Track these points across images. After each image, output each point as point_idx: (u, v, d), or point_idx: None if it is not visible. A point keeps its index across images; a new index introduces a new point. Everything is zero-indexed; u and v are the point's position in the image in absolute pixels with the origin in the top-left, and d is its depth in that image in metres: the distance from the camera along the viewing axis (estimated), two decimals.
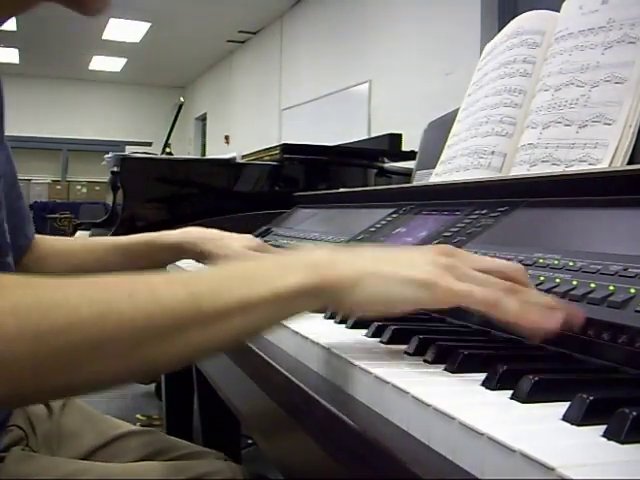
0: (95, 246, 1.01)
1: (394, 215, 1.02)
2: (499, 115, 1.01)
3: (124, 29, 8.42)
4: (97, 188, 10.96)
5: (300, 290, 0.46)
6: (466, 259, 0.51)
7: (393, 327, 0.56)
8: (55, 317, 0.39)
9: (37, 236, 0.98)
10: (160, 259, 1.00)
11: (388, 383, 0.42)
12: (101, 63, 10.60)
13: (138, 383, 2.98)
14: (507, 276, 0.50)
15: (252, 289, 0.45)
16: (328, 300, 0.48)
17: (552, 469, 0.28)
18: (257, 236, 1.42)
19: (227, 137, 9.68)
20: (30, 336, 0.38)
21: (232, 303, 0.44)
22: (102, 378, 0.42)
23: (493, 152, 0.99)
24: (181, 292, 0.43)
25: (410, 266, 0.48)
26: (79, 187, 11.43)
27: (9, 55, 9.89)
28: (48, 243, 0.98)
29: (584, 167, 0.81)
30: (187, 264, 1.07)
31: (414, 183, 1.30)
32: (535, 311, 0.45)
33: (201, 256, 0.98)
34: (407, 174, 1.79)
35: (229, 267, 0.48)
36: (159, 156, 2.29)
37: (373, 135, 5.04)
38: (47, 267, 0.95)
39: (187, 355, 0.45)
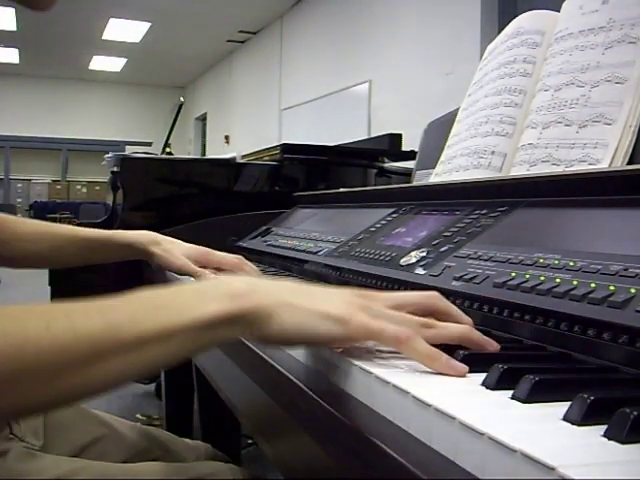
0: (56, 234, 1.04)
1: (394, 215, 1.02)
2: (499, 115, 1.01)
3: (124, 29, 8.42)
4: (97, 188, 10.97)
5: (218, 319, 0.46)
6: (380, 299, 0.52)
7: None
8: None
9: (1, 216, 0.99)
10: (113, 256, 1.07)
11: (389, 383, 0.42)
12: (101, 63, 10.61)
13: (138, 382, 2.98)
14: (424, 308, 0.53)
15: (171, 317, 0.45)
16: (246, 329, 0.48)
17: (552, 469, 0.28)
18: (257, 236, 1.42)
19: (227, 137, 9.68)
20: None
21: (151, 332, 0.44)
22: (24, 407, 0.43)
23: (493, 152, 0.99)
24: (99, 321, 0.44)
25: (326, 301, 0.49)
26: (79, 187, 11.44)
27: (9, 55, 9.90)
28: (8, 226, 0.99)
29: (584, 167, 0.81)
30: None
31: (414, 183, 1.30)
32: (440, 359, 0.46)
33: (147, 257, 1.04)
34: (407, 174, 1.79)
35: (148, 295, 0.48)
36: (159, 156, 2.29)
37: (373, 135, 5.04)
38: (4, 252, 0.97)
39: (107, 383, 0.45)
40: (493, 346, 0.51)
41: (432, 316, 0.53)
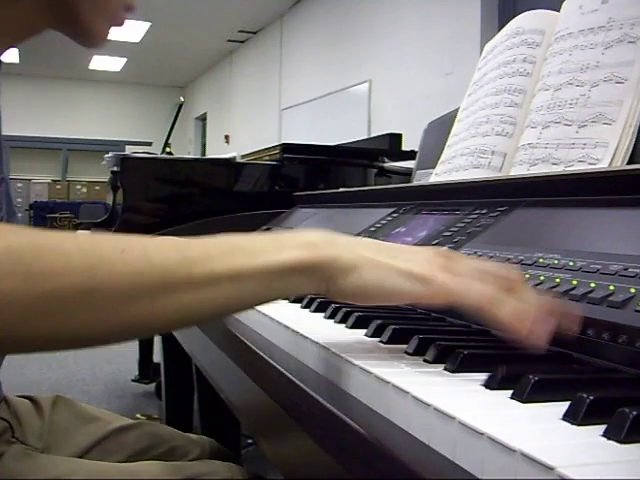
0: None
1: (394, 215, 1.02)
2: (499, 115, 1.01)
3: (124, 29, 8.41)
4: (97, 188, 10.97)
5: (293, 266, 0.46)
6: (463, 262, 0.50)
7: (393, 327, 0.56)
8: (47, 261, 0.39)
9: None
10: None
11: (388, 383, 0.42)
12: (101, 63, 10.60)
13: (138, 382, 2.98)
14: (504, 278, 0.50)
15: (244, 259, 0.45)
16: (322, 281, 0.47)
17: (552, 469, 0.28)
18: None
19: (227, 137, 9.68)
20: (21, 276, 0.38)
21: (223, 270, 0.44)
22: (89, 330, 0.42)
23: (493, 152, 0.99)
24: (173, 254, 0.44)
25: (408, 260, 0.48)
26: (79, 187, 11.44)
27: (9, 55, 9.87)
28: None
29: (584, 167, 0.81)
30: None
31: (414, 183, 1.30)
32: (529, 317, 0.44)
33: None
34: (407, 174, 1.79)
35: (225, 238, 0.47)
36: (159, 156, 2.29)
37: (373, 135, 5.04)
38: None
39: (176, 317, 0.45)
40: (576, 320, 0.48)
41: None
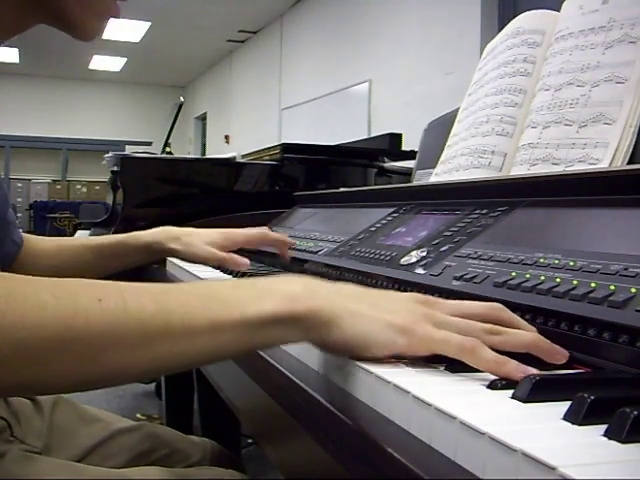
0: (67, 246, 1.02)
1: (394, 215, 1.02)
2: (499, 115, 1.01)
3: (124, 29, 8.42)
4: (97, 188, 10.97)
5: (274, 318, 0.45)
6: (444, 306, 0.50)
7: None
8: (21, 311, 0.39)
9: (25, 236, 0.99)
10: (131, 260, 1.02)
11: (389, 383, 0.42)
12: (101, 63, 10.60)
13: (138, 382, 2.98)
14: (488, 318, 0.50)
15: (224, 311, 0.44)
16: (305, 332, 0.47)
17: (553, 468, 0.28)
18: None
19: (227, 137, 9.68)
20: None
21: (201, 322, 0.44)
22: (63, 379, 0.42)
23: (493, 152, 0.99)
24: (151, 304, 0.43)
25: (390, 311, 0.47)
26: (79, 187, 11.44)
27: (9, 55, 9.90)
28: (29, 245, 0.99)
29: (584, 167, 0.81)
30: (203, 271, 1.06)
31: (414, 183, 1.30)
32: (509, 364, 0.44)
33: (170, 254, 1.00)
34: (407, 174, 1.79)
35: (203, 286, 0.47)
36: (159, 156, 2.29)
37: (373, 135, 5.04)
38: (28, 270, 0.95)
39: (151, 367, 0.44)
40: (563, 355, 0.47)
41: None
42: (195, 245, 0.98)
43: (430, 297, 0.52)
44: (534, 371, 0.43)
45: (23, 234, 0.99)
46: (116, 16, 0.74)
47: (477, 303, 0.53)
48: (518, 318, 0.52)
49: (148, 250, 1.01)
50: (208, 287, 0.47)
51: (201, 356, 0.45)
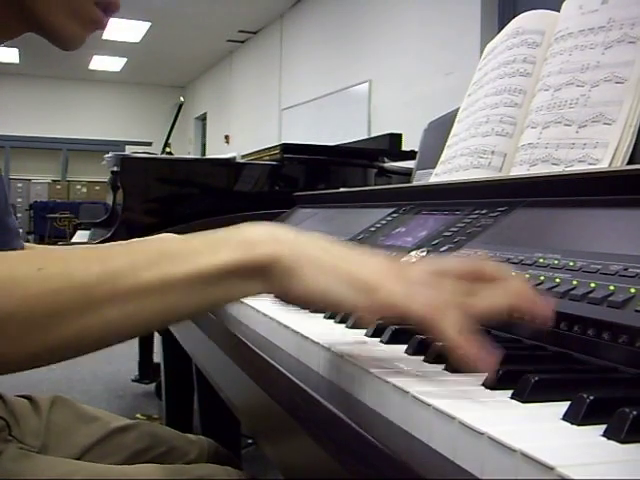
0: None
1: (394, 215, 1.02)
2: (499, 115, 1.01)
3: (124, 29, 8.42)
4: (97, 188, 10.97)
5: (230, 268, 0.42)
6: (421, 268, 0.46)
7: (393, 327, 0.56)
8: None
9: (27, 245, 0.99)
10: None
11: (388, 383, 0.42)
12: (101, 63, 10.61)
13: (138, 382, 2.98)
14: (469, 275, 0.45)
15: (174, 267, 0.41)
16: (266, 283, 0.43)
17: (552, 468, 0.28)
18: None
19: (227, 137, 9.68)
20: None
21: (151, 281, 0.41)
22: (11, 357, 0.40)
23: (493, 152, 0.99)
24: (96, 268, 0.41)
25: (357, 264, 0.44)
26: (79, 187, 11.44)
27: (9, 55, 9.89)
28: None
29: (584, 167, 0.81)
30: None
31: (414, 183, 1.30)
32: (466, 348, 0.40)
33: None
34: (407, 174, 1.79)
35: (155, 242, 0.45)
36: (159, 156, 2.29)
37: (373, 135, 5.04)
38: None
39: (103, 335, 0.42)
40: (548, 308, 0.44)
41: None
42: None
43: (407, 263, 0.48)
44: (493, 362, 0.41)
45: (26, 244, 0.99)
46: (102, 28, 0.73)
47: (457, 262, 0.48)
48: (504, 269, 0.47)
49: None
50: (159, 242, 0.45)
51: (155, 317, 0.43)
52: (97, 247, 0.44)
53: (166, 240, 0.45)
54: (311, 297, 0.43)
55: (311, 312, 0.70)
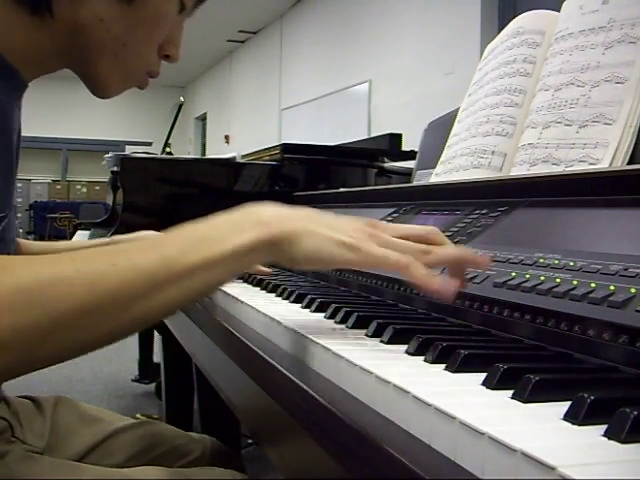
0: (53, 250, 1.03)
1: (394, 215, 1.02)
2: (499, 115, 1.01)
3: None
4: (97, 188, 10.98)
5: (254, 246, 0.53)
6: (387, 228, 0.59)
7: (394, 327, 0.56)
8: (52, 290, 0.45)
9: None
10: None
11: (389, 383, 0.42)
12: None
13: (138, 382, 2.97)
14: (424, 239, 0.59)
15: (213, 248, 0.51)
16: (276, 252, 0.54)
17: (553, 468, 0.28)
18: None
19: (227, 137, 9.68)
20: (33, 310, 0.44)
21: (198, 262, 0.50)
22: (96, 338, 0.48)
23: (493, 152, 0.99)
24: (154, 256, 0.49)
25: (341, 229, 0.56)
26: (79, 187, 11.45)
27: None
28: (19, 249, 0.99)
29: (584, 167, 0.81)
30: None
31: (414, 183, 1.30)
32: (435, 280, 0.54)
33: None
34: (407, 174, 1.79)
35: (189, 230, 0.53)
36: (159, 156, 2.29)
37: (373, 135, 5.04)
38: None
39: (166, 309, 0.51)
40: (485, 259, 0.60)
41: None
42: None
43: (380, 221, 0.60)
44: (455, 284, 0.55)
45: (24, 241, 0.99)
46: (142, 87, 0.76)
47: (416, 227, 0.62)
48: (449, 241, 0.61)
49: None
50: (194, 230, 0.53)
51: (202, 290, 0.52)
52: (149, 240, 0.53)
53: (198, 228, 0.54)
54: (310, 257, 0.54)
55: (311, 312, 0.70)
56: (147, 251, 0.50)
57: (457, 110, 1.17)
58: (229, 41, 9.13)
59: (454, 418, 0.35)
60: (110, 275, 0.47)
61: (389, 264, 0.55)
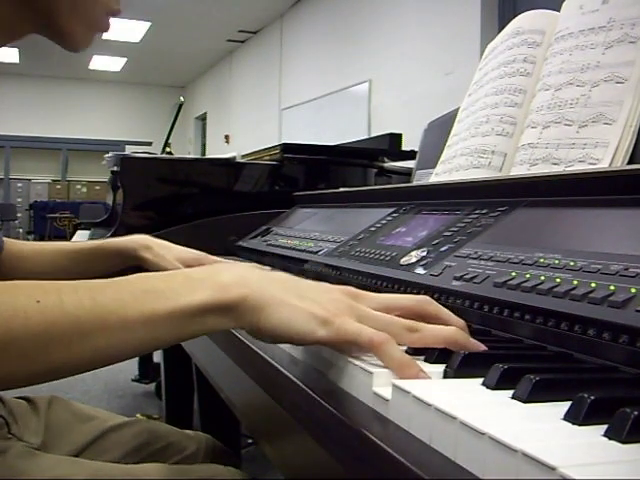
0: (43, 251, 1.03)
1: (394, 215, 1.02)
2: (499, 115, 1.01)
3: (124, 29, 8.42)
4: (97, 188, 10.97)
5: (204, 307, 0.47)
6: (369, 300, 0.52)
7: None
8: None
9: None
10: (106, 264, 1.03)
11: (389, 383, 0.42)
12: (101, 63, 10.61)
13: (138, 382, 2.98)
14: (413, 311, 0.52)
15: (157, 304, 0.47)
16: (236, 320, 0.49)
17: (553, 469, 0.28)
18: (257, 236, 1.43)
19: (227, 137, 9.68)
20: None
21: (136, 316, 0.46)
22: (12, 377, 0.44)
23: (493, 152, 0.99)
24: (87, 301, 0.45)
25: (315, 302, 0.50)
26: (79, 187, 11.44)
27: (9, 55, 9.89)
28: (7, 248, 0.99)
29: (584, 167, 0.81)
30: None
31: (414, 183, 1.30)
32: (410, 369, 0.45)
33: (139, 262, 1.02)
34: (407, 174, 1.79)
35: (138, 279, 0.49)
36: (159, 156, 2.29)
37: (373, 135, 5.04)
38: (6, 273, 0.97)
39: (91, 361, 0.46)
40: (480, 348, 0.50)
41: (423, 320, 0.52)
42: (165, 259, 1.00)
43: (361, 291, 0.54)
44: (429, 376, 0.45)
45: (5, 238, 0.99)
46: (106, 30, 0.75)
47: (404, 296, 0.56)
48: (444, 311, 0.54)
49: (120, 256, 1.02)
50: (144, 280, 0.49)
51: (138, 347, 0.48)
52: (86, 282, 0.48)
53: (150, 278, 0.50)
54: (276, 331, 0.49)
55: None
56: (80, 294, 0.46)
57: (457, 110, 1.17)
58: (229, 41, 9.13)
59: (454, 418, 0.35)
60: (32, 312, 0.43)
61: (360, 342, 0.47)
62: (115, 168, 1.73)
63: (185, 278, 0.50)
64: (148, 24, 8.39)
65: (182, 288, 0.48)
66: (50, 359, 0.44)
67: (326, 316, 0.48)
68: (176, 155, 2.43)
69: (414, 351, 0.51)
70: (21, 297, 0.44)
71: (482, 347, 0.50)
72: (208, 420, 1.64)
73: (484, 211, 0.82)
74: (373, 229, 1.01)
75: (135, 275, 0.49)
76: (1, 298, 0.43)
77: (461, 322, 0.53)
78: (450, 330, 0.50)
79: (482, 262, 0.68)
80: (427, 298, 0.54)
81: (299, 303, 0.49)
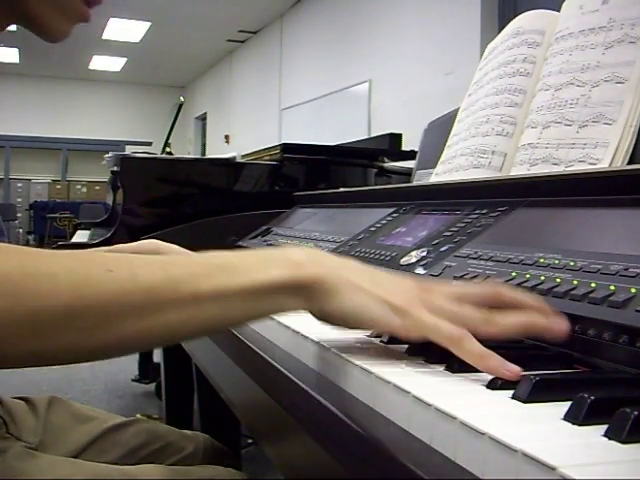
0: None
1: (394, 215, 1.02)
2: (499, 115, 1.01)
3: (124, 29, 8.42)
4: (97, 188, 10.97)
5: (279, 285, 0.46)
6: (442, 292, 0.50)
7: None
8: (34, 282, 0.40)
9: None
10: None
11: (389, 383, 0.42)
12: (101, 63, 10.61)
13: (138, 382, 2.98)
14: (489, 299, 0.50)
15: (230, 278, 0.45)
16: (306, 301, 0.48)
17: (553, 469, 0.28)
18: (257, 236, 1.43)
19: (227, 137, 9.68)
20: (9, 297, 0.39)
21: (208, 290, 0.45)
22: (75, 349, 0.43)
23: (493, 152, 0.99)
24: (160, 273, 0.44)
25: (388, 290, 0.48)
26: (79, 187, 11.44)
27: (9, 55, 9.90)
28: None
29: (584, 167, 0.81)
30: None
31: (414, 183, 1.30)
32: (493, 359, 0.44)
33: None
34: (407, 174, 1.79)
35: (212, 255, 0.48)
36: (159, 156, 2.29)
37: (373, 135, 5.04)
38: None
39: (161, 336, 0.45)
40: (562, 326, 0.47)
41: (499, 308, 0.49)
42: None
43: (432, 283, 0.52)
44: (518, 369, 0.43)
45: (9, 245, 0.99)
46: (85, 21, 0.73)
47: (477, 287, 0.53)
48: (520, 295, 0.51)
49: None
50: (217, 256, 0.48)
51: (209, 323, 0.46)
52: (160, 257, 0.48)
53: (223, 255, 0.48)
54: (349, 316, 0.47)
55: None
56: (153, 266, 0.45)
57: (457, 110, 1.17)
58: (229, 41, 9.13)
59: (454, 418, 0.35)
60: (103, 281, 0.42)
61: (440, 337, 0.46)
62: (115, 168, 1.73)
63: (259, 256, 0.48)
64: (148, 24, 8.39)
65: (256, 265, 0.47)
66: (121, 330, 0.43)
67: (402, 306, 0.47)
68: (176, 155, 2.43)
69: (415, 351, 0.51)
70: (93, 266, 0.43)
71: (564, 324, 0.48)
72: (208, 420, 1.64)
73: (484, 211, 0.82)
74: (373, 229, 1.01)
75: (208, 253, 0.48)
76: (72, 266, 0.42)
77: (539, 302, 0.50)
78: (526, 316, 0.48)
79: (482, 262, 0.68)
80: (499, 285, 0.52)
81: (374, 290, 0.48)
